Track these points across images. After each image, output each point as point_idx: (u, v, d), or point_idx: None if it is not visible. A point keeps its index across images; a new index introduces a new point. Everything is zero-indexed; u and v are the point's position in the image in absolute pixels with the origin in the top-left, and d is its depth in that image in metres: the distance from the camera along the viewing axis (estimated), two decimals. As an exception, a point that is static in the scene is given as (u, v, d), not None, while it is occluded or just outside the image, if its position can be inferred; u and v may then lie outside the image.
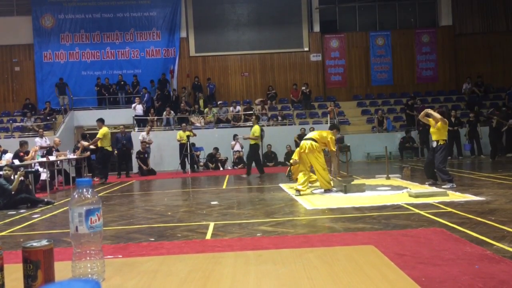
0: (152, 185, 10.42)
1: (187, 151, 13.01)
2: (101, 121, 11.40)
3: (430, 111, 7.51)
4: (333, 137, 7.24)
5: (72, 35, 18.23)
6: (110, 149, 11.40)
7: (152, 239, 4.34)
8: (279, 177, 10.77)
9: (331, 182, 7.24)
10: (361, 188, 7.15)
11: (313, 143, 7.00)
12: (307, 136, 7.41)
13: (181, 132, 13.65)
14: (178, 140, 13.54)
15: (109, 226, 5.10)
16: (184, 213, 5.89)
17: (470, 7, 18.97)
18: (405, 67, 18.95)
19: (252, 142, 10.72)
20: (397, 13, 19.29)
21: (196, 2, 18.54)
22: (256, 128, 10.78)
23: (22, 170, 7.44)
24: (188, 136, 13.26)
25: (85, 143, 11.69)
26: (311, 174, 7.38)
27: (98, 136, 11.15)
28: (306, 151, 7.01)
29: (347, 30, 19.12)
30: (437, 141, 7.35)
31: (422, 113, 7.74)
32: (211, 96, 17.83)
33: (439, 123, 7.29)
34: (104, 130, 11.18)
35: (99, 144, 11.19)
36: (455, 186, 7.09)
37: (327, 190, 7.02)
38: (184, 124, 14.35)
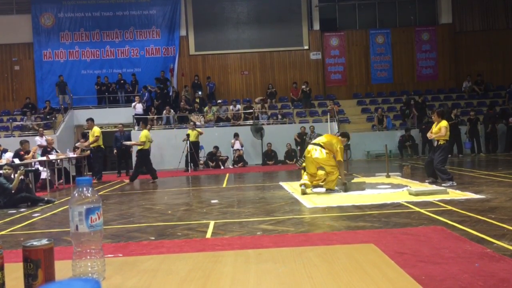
0: (152, 184, 10.41)
1: (191, 150, 13.01)
2: (92, 120, 11.36)
3: (433, 135, 7.43)
4: (342, 147, 6.97)
5: (71, 33, 18.22)
6: (103, 147, 11.49)
7: (152, 238, 4.34)
8: (279, 175, 10.78)
9: (335, 183, 7.13)
10: (361, 187, 7.15)
11: (321, 149, 6.83)
12: (315, 141, 7.18)
13: (190, 130, 13.64)
14: (186, 140, 13.35)
15: (109, 225, 5.10)
16: (184, 212, 5.89)
17: (470, 4, 18.95)
18: (405, 65, 18.94)
19: (139, 147, 10.44)
20: (397, 11, 19.27)
21: (196, 0, 18.52)
22: (143, 133, 10.40)
23: (22, 169, 7.44)
24: (188, 135, 13.27)
25: (85, 144, 11.66)
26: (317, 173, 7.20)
27: (96, 134, 11.09)
28: (314, 155, 6.85)
29: (347, 28, 19.10)
30: (438, 141, 7.35)
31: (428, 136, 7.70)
32: (211, 95, 17.83)
33: (441, 126, 7.27)
34: (98, 129, 11.21)
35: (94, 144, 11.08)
36: (455, 184, 7.09)
37: (329, 190, 6.98)
38: (192, 123, 14.34)
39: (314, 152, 6.87)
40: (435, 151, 7.42)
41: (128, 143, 11.40)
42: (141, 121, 11.26)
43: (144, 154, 10.47)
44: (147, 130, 10.88)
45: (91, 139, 11.07)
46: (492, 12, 19.01)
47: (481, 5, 18.96)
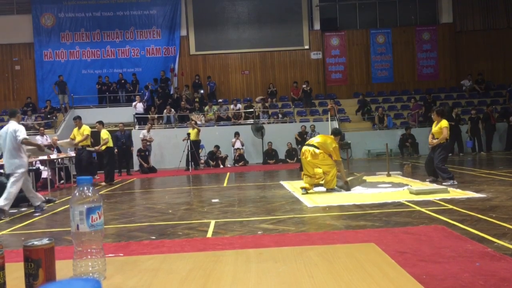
0: (153, 183, 10.43)
1: (191, 149, 13.02)
2: (79, 119, 10.02)
3: (434, 142, 7.41)
4: (337, 146, 6.91)
5: (72, 33, 18.24)
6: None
7: (153, 237, 4.34)
8: (280, 174, 10.78)
9: (335, 182, 7.09)
10: (361, 180, 7.11)
11: (315, 150, 6.82)
12: (309, 142, 7.15)
13: (190, 130, 13.69)
14: (186, 139, 13.33)
15: (110, 224, 5.11)
16: (185, 211, 5.89)
17: (470, 4, 18.93)
18: (406, 64, 18.93)
19: (103, 147, 10.14)
20: (397, 11, 19.26)
21: (196, 0, 18.52)
22: (104, 132, 10.13)
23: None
24: (188, 134, 13.30)
25: (74, 142, 10.06)
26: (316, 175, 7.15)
27: (86, 133, 9.81)
28: (309, 158, 6.83)
29: (347, 28, 19.09)
30: (437, 139, 7.35)
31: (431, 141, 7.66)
32: (211, 94, 17.83)
33: (442, 127, 7.27)
34: (88, 128, 9.91)
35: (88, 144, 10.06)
36: (456, 183, 7.08)
37: (330, 189, 6.95)
38: (193, 122, 14.34)
39: (308, 154, 6.84)
40: (434, 150, 7.41)
41: (96, 148, 10.15)
42: (97, 121, 10.55)
43: (111, 151, 10.54)
44: (104, 129, 10.45)
45: (79, 137, 9.71)
46: (493, 11, 18.99)
47: (482, 4, 18.94)
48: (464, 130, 15.02)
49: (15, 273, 1.10)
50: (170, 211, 5.97)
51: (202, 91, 17.66)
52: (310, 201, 6.13)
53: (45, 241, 1.02)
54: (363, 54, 18.95)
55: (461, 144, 14.82)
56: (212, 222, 4.94)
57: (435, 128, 7.44)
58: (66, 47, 18.22)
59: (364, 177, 7.29)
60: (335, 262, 1.19)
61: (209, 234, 4.37)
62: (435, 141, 7.38)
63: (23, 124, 6.95)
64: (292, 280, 1.07)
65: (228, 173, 11.77)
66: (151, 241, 4.16)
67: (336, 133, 7.31)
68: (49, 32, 18.16)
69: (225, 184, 9.18)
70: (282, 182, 8.64)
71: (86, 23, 18.27)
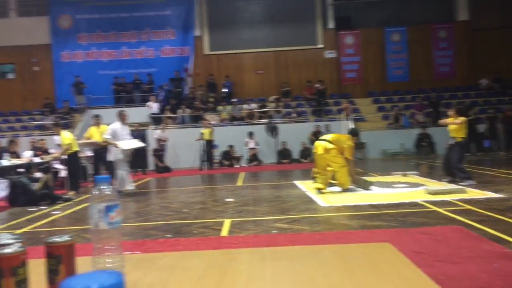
0: (168, 182, 10.52)
1: (205, 149, 13.11)
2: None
3: (444, 121, 7.39)
4: (352, 144, 6.82)
5: (88, 35, 18.52)
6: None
7: (169, 236, 4.39)
8: (294, 174, 10.76)
9: (349, 181, 7.03)
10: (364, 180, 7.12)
11: (328, 144, 6.77)
12: (323, 137, 7.14)
13: (204, 129, 13.81)
14: (200, 139, 13.44)
15: (126, 222, 5.17)
16: (200, 210, 5.93)
17: (487, 1, 18.56)
18: (422, 63, 18.66)
19: (68, 152, 8.64)
20: (413, 8, 18.99)
21: (210, 0, 18.61)
22: (63, 138, 8.63)
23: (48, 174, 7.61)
24: (201, 134, 13.38)
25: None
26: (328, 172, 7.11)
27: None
28: (320, 152, 6.78)
29: (362, 26, 18.92)
30: (455, 138, 7.24)
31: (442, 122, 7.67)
32: (229, 94, 17.86)
33: (459, 121, 7.18)
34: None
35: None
36: (474, 183, 6.96)
37: (345, 189, 6.90)
38: (207, 122, 14.42)
39: (320, 148, 6.80)
40: (451, 149, 7.30)
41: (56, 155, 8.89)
42: (55, 124, 8.95)
43: (75, 157, 8.99)
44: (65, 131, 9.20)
45: (97, 136, 9.30)
46: (510, 8, 18.56)
47: (499, 1, 18.54)
48: (482, 129, 14.75)
49: (36, 269, 1.13)
50: (185, 210, 6.02)
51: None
52: (324, 200, 6.11)
53: (66, 238, 1.05)
54: (378, 52, 18.75)
55: (479, 144, 14.55)
56: (227, 221, 4.97)
57: (451, 126, 7.33)
58: (83, 48, 18.52)
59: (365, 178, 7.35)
60: (350, 261, 1.19)
61: (224, 233, 4.39)
62: (447, 121, 7.32)
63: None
64: (307, 278, 1.08)
65: (242, 173, 11.79)
66: (166, 239, 4.20)
67: (354, 133, 7.22)
68: (66, 33, 18.48)
69: (239, 184, 9.20)
70: (296, 182, 8.63)
71: (102, 24, 18.52)
